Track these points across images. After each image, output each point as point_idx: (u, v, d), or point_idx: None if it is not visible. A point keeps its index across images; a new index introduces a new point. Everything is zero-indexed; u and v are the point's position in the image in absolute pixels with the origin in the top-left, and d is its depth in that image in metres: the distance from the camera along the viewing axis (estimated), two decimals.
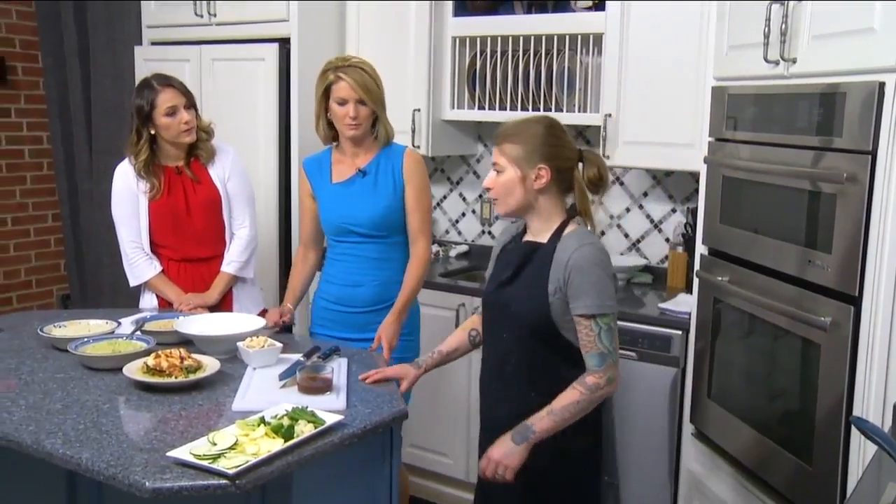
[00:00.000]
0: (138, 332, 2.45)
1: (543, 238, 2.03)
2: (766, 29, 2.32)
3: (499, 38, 3.61)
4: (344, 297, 2.74)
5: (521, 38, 3.55)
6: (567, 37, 3.44)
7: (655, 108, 3.16)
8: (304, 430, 1.81)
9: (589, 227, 2.06)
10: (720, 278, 2.62)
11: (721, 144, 2.67)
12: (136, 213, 2.87)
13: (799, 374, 2.29)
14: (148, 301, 2.97)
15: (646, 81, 3.18)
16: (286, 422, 1.82)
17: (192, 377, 2.12)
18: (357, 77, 2.59)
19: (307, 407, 1.91)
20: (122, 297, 4.46)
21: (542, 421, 1.94)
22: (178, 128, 2.80)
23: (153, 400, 2.05)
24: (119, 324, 2.54)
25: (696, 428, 2.85)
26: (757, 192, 2.46)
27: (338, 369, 2.27)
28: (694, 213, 3.39)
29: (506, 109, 3.63)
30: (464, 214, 4.19)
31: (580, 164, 2.04)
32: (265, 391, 2.11)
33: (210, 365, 2.19)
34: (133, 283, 2.95)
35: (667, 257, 3.60)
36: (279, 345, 2.32)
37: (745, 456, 2.54)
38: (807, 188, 2.20)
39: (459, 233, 4.21)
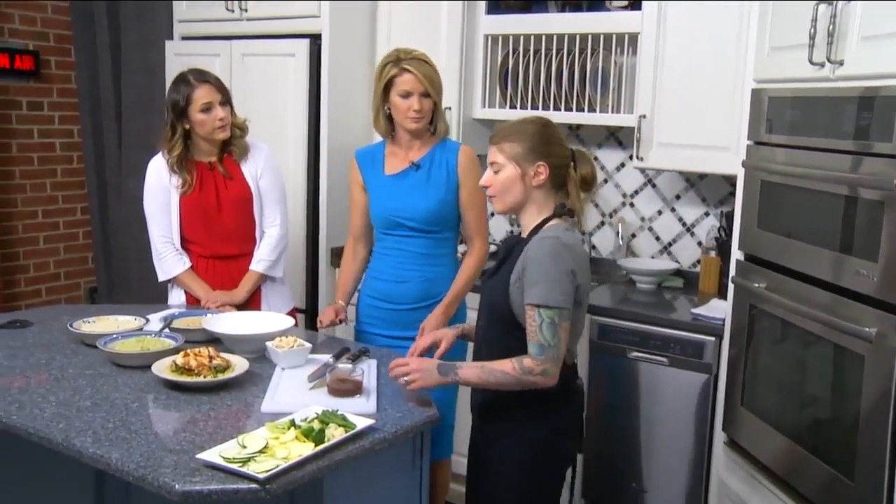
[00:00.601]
0: (166, 330, 2.43)
1: (526, 233, 2.09)
2: (812, 30, 2.26)
3: (532, 37, 3.56)
4: (390, 293, 2.71)
5: (555, 37, 3.50)
6: (602, 36, 3.39)
7: (691, 109, 3.10)
8: (335, 434, 1.79)
9: (575, 226, 2.12)
10: (756, 285, 2.56)
11: (759, 148, 2.61)
12: (168, 208, 2.86)
13: (840, 384, 2.23)
14: (176, 297, 2.96)
15: (682, 82, 3.12)
16: (317, 425, 1.79)
17: (220, 377, 2.10)
18: (422, 69, 2.58)
19: (337, 410, 1.89)
20: (149, 292, 4.45)
21: (469, 370, 2.04)
22: (212, 124, 2.79)
23: (182, 399, 2.03)
24: (147, 320, 2.53)
25: (729, 436, 2.79)
26: (797, 197, 2.40)
27: (367, 371, 2.24)
28: (728, 217, 3.33)
29: (538, 108, 3.58)
30: (492, 214, 4.13)
31: (572, 164, 2.11)
32: (294, 392, 2.08)
33: (239, 364, 2.17)
34: (162, 278, 2.94)
35: (698, 261, 3.54)
36: (308, 345, 2.29)
37: (780, 466, 2.48)
38: (851, 194, 2.13)
39: (488, 233, 4.15)
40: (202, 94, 2.77)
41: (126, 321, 2.52)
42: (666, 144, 3.19)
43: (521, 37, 3.59)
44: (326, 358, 2.31)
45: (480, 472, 2.18)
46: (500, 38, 3.68)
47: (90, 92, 4.79)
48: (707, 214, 3.53)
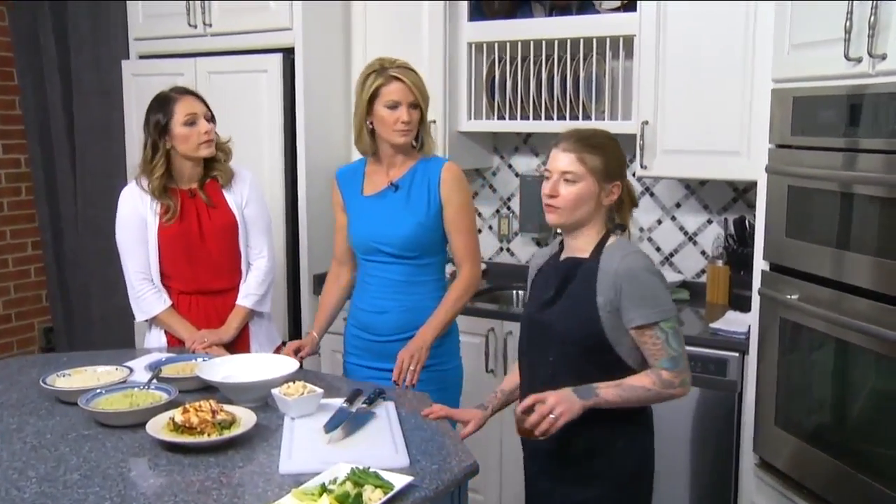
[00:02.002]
0: (154, 381, 2.17)
1: (585, 253, 1.94)
2: (848, 23, 2.12)
3: (518, 44, 3.38)
4: (370, 324, 2.50)
5: (544, 43, 3.33)
6: (594, 40, 3.23)
7: (698, 114, 2.95)
8: (373, 497, 1.56)
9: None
10: (788, 296, 2.41)
11: (783, 151, 2.46)
12: (144, 241, 2.60)
13: (888, 397, 2.08)
14: (156, 338, 2.69)
15: (686, 86, 2.97)
16: (351, 488, 1.56)
17: (227, 434, 1.85)
18: (410, 77, 2.38)
19: (369, 467, 1.66)
20: (114, 331, 4.17)
21: (609, 389, 1.84)
22: (196, 139, 2.54)
23: (185, 463, 1.77)
24: (131, 370, 2.25)
25: (761, 458, 2.63)
26: (834, 202, 2.25)
27: (387, 416, 2.02)
28: (738, 223, 3.18)
29: (528, 119, 3.42)
30: (480, 231, 3.94)
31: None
32: (312, 448, 1.84)
33: (245, 418, 1.92)
34: (140, 318, 2.67)
35: (703, 271, 3.39)
36: (320, 390, 2.06)
37: (821, 485, 2.33)
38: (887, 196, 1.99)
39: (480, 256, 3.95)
40: (185, 106, 2.54)
41: (107, 372, 2.24)
42: (672, 151, 3.03)
43: (507, 44, 3.41)
44: (339, 403, 2.08)
45: None
46: (485, 46, 3.49)
47: (38, 118, 4.47)
48: (710, 222, 3.39)
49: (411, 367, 2.35)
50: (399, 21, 3.51)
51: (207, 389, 2.21)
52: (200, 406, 1.88)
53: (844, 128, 2.20)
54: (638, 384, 1.86)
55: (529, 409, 1.82)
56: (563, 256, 2.01)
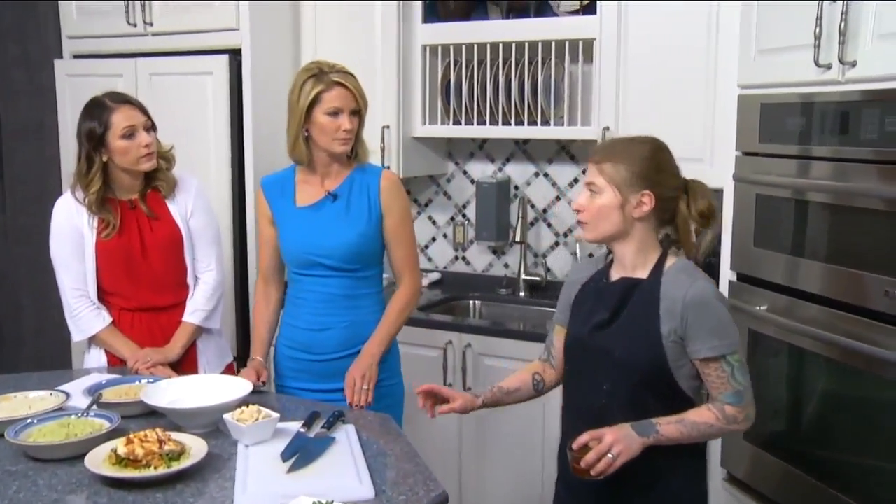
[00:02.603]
0: (94, 407, 2.00)
1: (641, 273, 1.81)
2: (818, 29, 2.07)
3: (475, 46, 3.29)
4: (309, 342, 2.35)
5: (501, 46, 3.24)
6: (553, 43, 3.15)
7: (660, 120, 2.85)
8: None
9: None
10: (758, 307, 2.36)
11: (750, 159, 2.41)
12: (81, 256, 2.42)
13: (865, 410, 2.05)
14: (95, 358, 2.51)
15: (648, 91, 2.91)
16: None
17: (175, 466, 1.70)
18: (352, 82, 2.25)
19: (332, 501, 1.54)
20: (49, 347, 3.95)
21: (669, 426, 1.73)
22: (136, 152, 2.38)
23: (129, 500, 1.62)
24: (67, 395, 2.08)
25: (729, 472, 2.57)
26: (804, 211, 2.21)
27: (347, 441, 1.90)
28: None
29: (485, 124, 3.33)
30: (434, 239, 3.84)
31: (685, 196, 1.82)
32: (270, 479, 1.71)
33: (195, 447, 1.78)
34: (77, 337, 2.49)
35: None
36: (276, 415, 1.92)
37: (793, 500, 2.28)
38: (879, 207, 1.94)
39: (430, 259, 3.85)
40: (123, 118, 2.36)
41: (40, 398, 2.06)
42: None
43: (463, 46, 3.31)
44: (295, 427, 1.95)
45: None
46: (440, 49, 3.39)
47: None
48: None
49: (365, 387, 2.23)
50: (351, 22, 3.39)
51: (153, 414, 2.06)
52: (146, 436, 1.73)
53: (817, 135, 2.15)
54: (700, 420, 1.74)
55: (585, 447, 1.70)
56: (614, 275, 1.87)
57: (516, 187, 3.62)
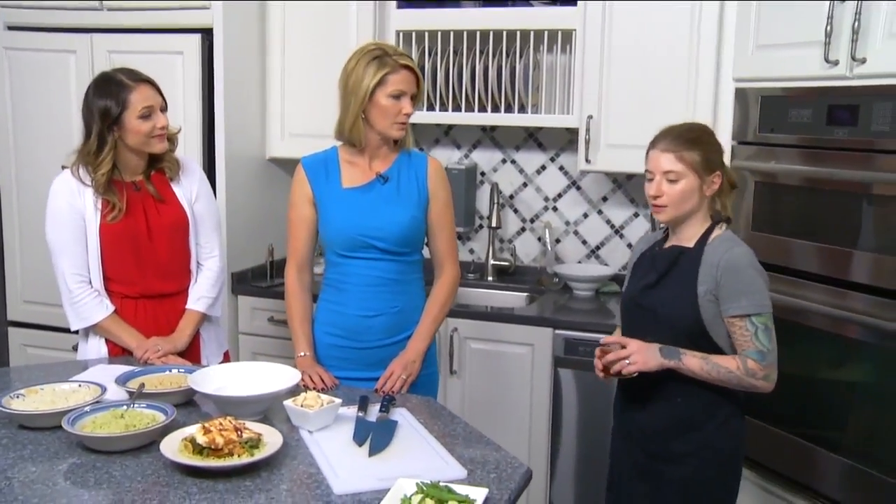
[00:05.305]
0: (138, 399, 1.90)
1: (690, 242, 2.02)
2: (829, 27, 2.23)
3: (451, 34, 3.31)
4: (356, 329, 2.28)
5: (478, 34, 3.28)
6: (532, 33, 3.21)
7: (643, 108, 3.00)
8: None
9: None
10: None
11: (748, 148, 2.57)
12: (83, 240, 2.29)
13: (877, 385, 2.23)
14: (94, 348, 2.37)
15: (631, 80, 3.02)
16: None
17: (258, 454, 1.65)
18: (415, 67, 2.23)
19: (439, 481, 1.55)
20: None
21: (693, 359, 1.93)
22: (151, 133, 2.26)
23: (221, 489, 1.57)
24: (103, 388, 1.96)
25: None
26: (811, 198, 2.37)
27: (409, 425, 1.90)
28: None
29: (460, 110, 3.36)
30: None
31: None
32: (355, 464, 1.69)
33: (270, 436, 1.73)
34: (76, 326, 2.35)
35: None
36: (338, 400, 1.90)
37: (798, 471, 2.46)
38: (884, 193, 2.12)
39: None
40: (141, 98, 2.24)
41: (72, 391, 1.94)
42: (616, 146, 3.08)
43: (438, 33, 3.32)
44: (349, 413, 1.93)
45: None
46: (414, 35, 3.38)
47: None
48: (637, 215, 3.48)
49: (404, 376, 2.22)
50: (326, 6, 3.33)
51: (189, 404, 1.99)
52: (222, 424, 1.67)
53: (823, 127, 2.31)
54: (723, 364, 1.92)
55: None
56: (668, 244, 2.06)
57: (482, 174, 3.67)
